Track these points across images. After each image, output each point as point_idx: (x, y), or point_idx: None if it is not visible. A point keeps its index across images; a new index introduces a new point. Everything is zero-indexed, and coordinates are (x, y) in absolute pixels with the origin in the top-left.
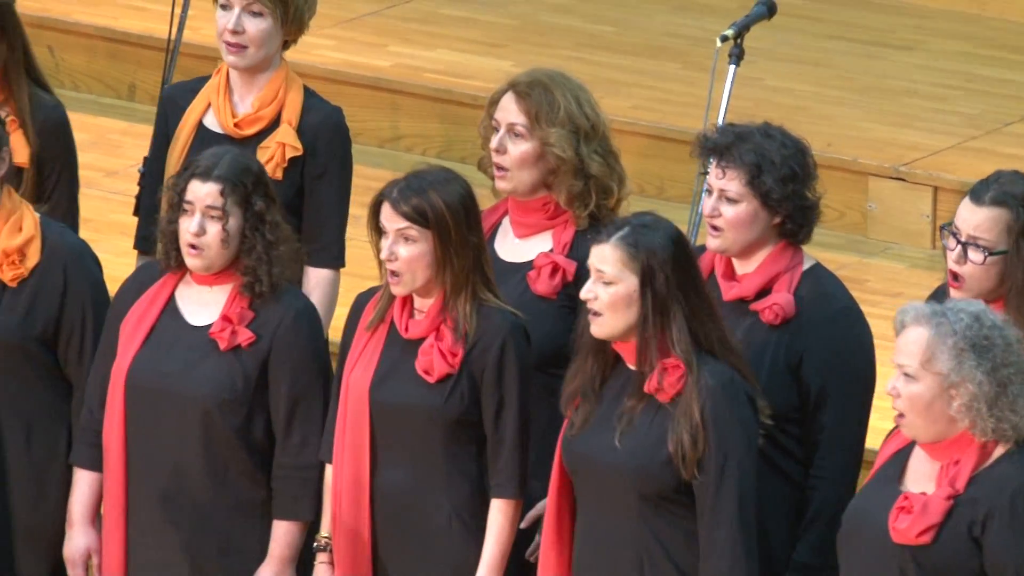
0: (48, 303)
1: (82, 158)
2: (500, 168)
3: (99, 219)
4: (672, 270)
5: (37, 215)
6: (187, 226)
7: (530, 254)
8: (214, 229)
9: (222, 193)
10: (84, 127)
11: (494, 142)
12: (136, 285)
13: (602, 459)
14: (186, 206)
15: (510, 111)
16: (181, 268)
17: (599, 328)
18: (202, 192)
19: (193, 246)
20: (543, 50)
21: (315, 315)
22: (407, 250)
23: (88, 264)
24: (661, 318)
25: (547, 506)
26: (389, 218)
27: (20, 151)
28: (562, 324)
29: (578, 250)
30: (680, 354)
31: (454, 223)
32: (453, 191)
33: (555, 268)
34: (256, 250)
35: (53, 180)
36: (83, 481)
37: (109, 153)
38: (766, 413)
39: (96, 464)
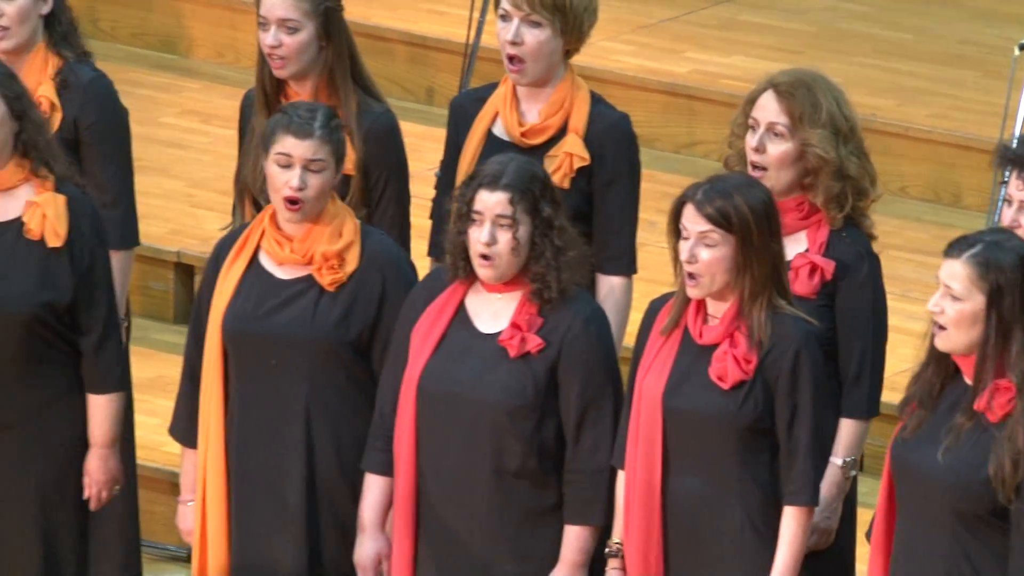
0: (365, 309)
1: None
2: (757, 167)
3: None
4: (1021, 292)
5: (358, 221)
6: (477, 236)
7: (786, 255)
8: (505, 238)
9: (511, 201)
10: None
11: (753, 141)
12: (426, 292)
13: (923, 470)
14: (475, 216)
15: (771, 110)
16: (470, 277)
17: (942, 341)
18: (491, 201)
19: (485, 256)
20: (840, 57)
21: (604, 320)
22: (708, 253)
23: (406, 271)
24: (1003, 339)
25: (877, 508)
26: (692, 220)
27: (347, 158)
28: (822, 324)
29: (834, 249)
30: (1015, 377)
31: (757, 228)
32: (757, 196)
33: (813, 268)
34: (545, 256)
35: (380, 187)
36: (374, 486)
37: (408, 157)
38: None
39: (387, 469)
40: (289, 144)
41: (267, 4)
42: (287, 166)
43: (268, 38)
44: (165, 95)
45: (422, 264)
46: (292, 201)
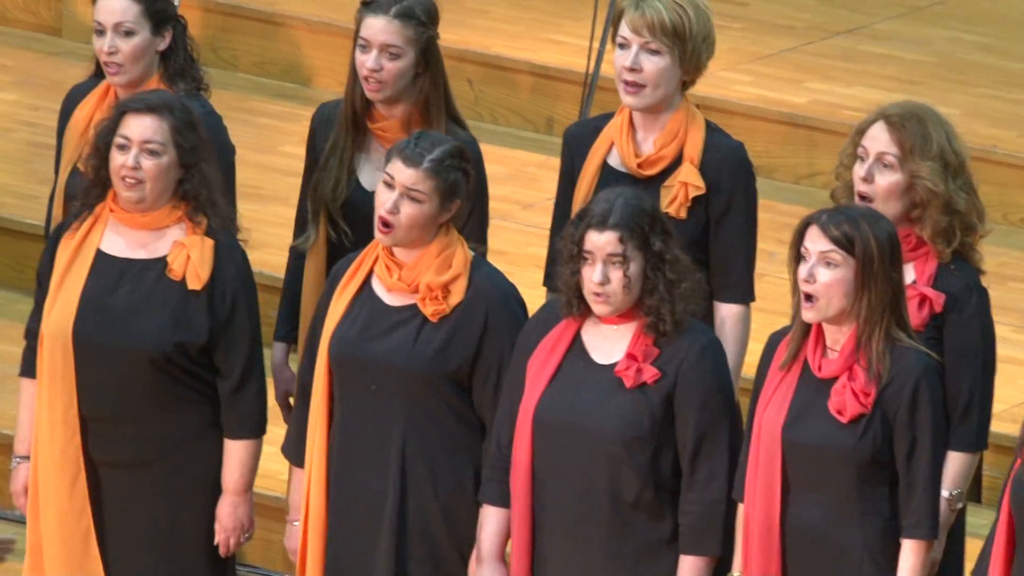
0: (466, 343)
1: (499, 191)
2: (864, 198)
3: (515, 252)
4: None
5: (471, 253)
6: (590, 275)
7: None
8: (617, 276)
9: (621, 240)
10: (502, 160)
11: (861, 171)
12: (541, 323)
13: None
14: (586, 255)
15: (881, 141)
16: (584, 313)
17: None
18: (601, 241)
19: (598, 294)
20: (961, 88)
21: (719, 350)
22: (828, 274)
23: (512, 307)
24: None
25: (993, 548)
26: (814, 240)
27: None
28: None
29: (943, 282)
30: None
31: (879, 255)
32: (882, 226)
33: (923, 299)
34: (658, 290)
35: (464, 214)
36: (492, 517)
37: (526, 186)
38: None
39: (504, 500)
40: (395, 168)
41: (371, 28)
42: (389, 187)
43: (369, 61)
44: (286, 124)
45: (539, 293)
46: (384, 223)
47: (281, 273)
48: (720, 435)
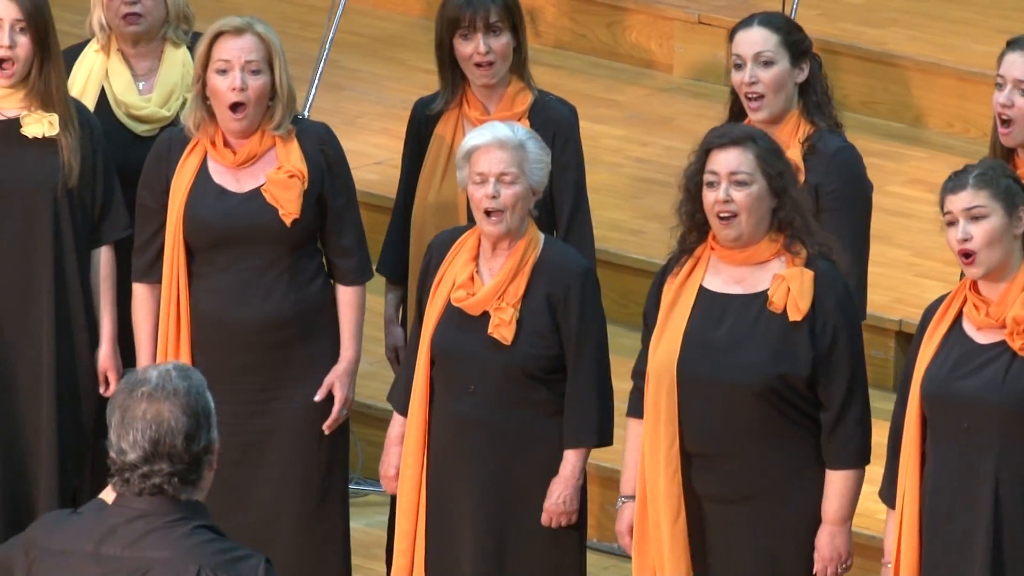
0: None
1: None
2: None
3: None
4: None
5: None
6: None
7: None
8: None
9: None
10: None
11: None
12: None
13: None
14: None
15: None
16: None
17: None
18: None
19: None
20: None
21: None
22: None
23: None
24: None
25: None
26: None
27: None
28: None
29: None
30: None
31: None
32: None
33: None
34: None
35: None
36: None
37: None
38: None
39: None
40: (948, 201)
41: (1006, 64)
42: (952, 224)
43: (1002, 97)
44: (892, 164)
45: None
46: (965, 254)
47: (883, 313)
48: None
